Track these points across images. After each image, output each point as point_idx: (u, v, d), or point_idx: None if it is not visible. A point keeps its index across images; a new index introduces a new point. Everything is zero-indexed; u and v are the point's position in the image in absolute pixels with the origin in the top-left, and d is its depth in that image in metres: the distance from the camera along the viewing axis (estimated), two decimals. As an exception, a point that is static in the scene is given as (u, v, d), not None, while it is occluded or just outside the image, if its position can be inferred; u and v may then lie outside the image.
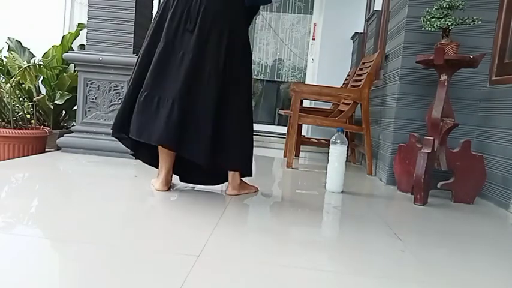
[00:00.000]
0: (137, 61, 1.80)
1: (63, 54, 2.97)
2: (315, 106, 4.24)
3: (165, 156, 1.81)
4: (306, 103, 4.31)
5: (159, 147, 1.77)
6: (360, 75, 3.24)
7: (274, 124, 5.90)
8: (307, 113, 3.33)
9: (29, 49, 3.88)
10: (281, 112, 4.33)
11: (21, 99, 3.34)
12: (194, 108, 1.69)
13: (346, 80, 4.23)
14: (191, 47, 1.68)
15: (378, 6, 3.89)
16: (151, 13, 3.19)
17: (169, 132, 1.64)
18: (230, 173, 1.88)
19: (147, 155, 1.91)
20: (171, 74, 1.69)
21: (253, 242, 1.32)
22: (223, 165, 1.84)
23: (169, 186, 1.87)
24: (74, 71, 3.38)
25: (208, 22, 1.70)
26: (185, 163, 1.86)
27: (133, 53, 2.82)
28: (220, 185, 2.14)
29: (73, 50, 3.77)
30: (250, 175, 1.94)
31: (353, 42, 4.79)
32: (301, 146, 3.84)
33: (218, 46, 1.72)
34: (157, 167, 1.87)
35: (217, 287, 0.97)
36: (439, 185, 2.13)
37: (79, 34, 3.92)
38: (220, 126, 1.74)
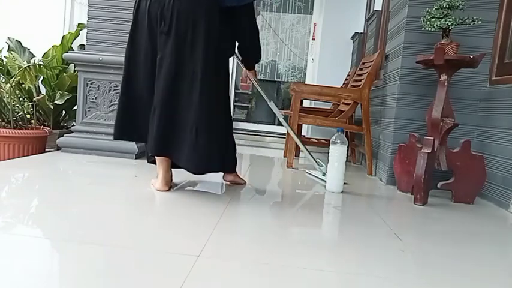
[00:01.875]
0: (124, 67, 1.82)
1: (63, 54, 2.97)
2: (315, 106, 4.24)
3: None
4: (306, 103, 4.31)
5: None
6: (360, 75, 3.24)
7: (274, 124, 5.91)
8: (307, 113, 3.32)
9: (29, 49, 3.88)
10: (281, 112, 4.32)
11: (21, 99, 3.34)
12: (179, 115, 1.72)
13: (346, 80, 4.23)
14: (169, 51, 1.68)
15: (378, 6, 3.89)
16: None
17: (158, 141, 1.72)
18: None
19: None
20: (156, 81, 1.73)
21: (253, 242, 1.32)
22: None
23: (170, 186, 1.86)
24: (74, 71, 3.38)
25: (182, 23, 1.67)
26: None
27: (133, 53, 2.82)
28: (220, 186, 2.14)
29: (73, 50, 3.77)
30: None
31: (353, 42, 4.79)
32: (301, 146, 3.84)
33: (195, 48, 1.69)
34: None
35: (217, 287, 0.97)
36: (439, 185, 2.13)
37: (79, 34, 3.92)
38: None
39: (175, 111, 1.72)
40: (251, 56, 2.05)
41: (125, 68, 1.82)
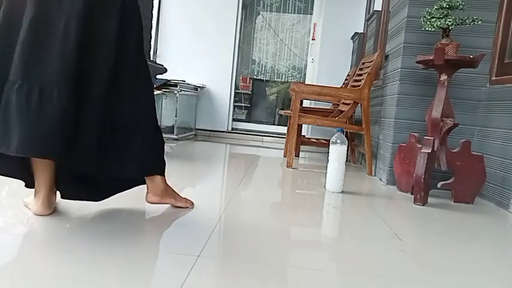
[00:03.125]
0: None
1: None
2: (315, 106, 4.24)
3: (43, 167, 1.31)
4: (306, 103, 4.32)
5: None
6: (360, 75, 3.24)
7: (274, 124, 5.91)
8: (307, 113, 3.33)
9: (29, 49, 3.87)
10: (281, 112, 4.33)
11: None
12: (88, 97, 1.24)
13: (346, 80, 4.23)
14: (77, 11, 1.20)
15: (378, 6, 3.89)
16: (152, 13, 3.19)
17: (55, 138, 1.17)
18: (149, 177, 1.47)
19: (17, 167, 1.37)
20: (53, 52, 1.18)
21: (253, 242, 1.32)
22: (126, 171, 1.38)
23: (53, 208, 1.39)
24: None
25: None
26: (64, 173, 1.39)
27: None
28: (220, 186, 2.14)
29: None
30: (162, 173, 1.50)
31: (353, 42, 4.79)
32: (301, 146, 3.85)
33: (113, 8, 1.27)
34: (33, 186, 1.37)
35: (217, 287, 0.97)
36: (439, 185, 2.13)
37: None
38: (118, 116, 1.32)
39: (83, 93, 1.25)
40: None
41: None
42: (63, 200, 1.46)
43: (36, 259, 1.06)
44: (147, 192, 1.49)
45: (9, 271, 0.96)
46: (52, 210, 1.37)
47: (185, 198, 1.60)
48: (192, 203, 1.61)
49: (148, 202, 1.49)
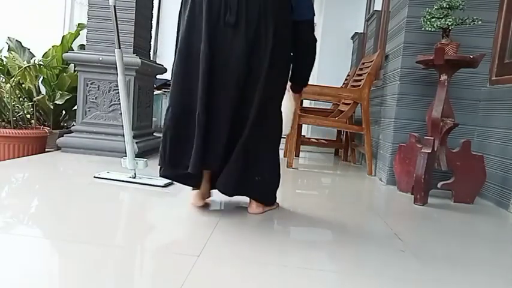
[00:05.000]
0: (173, 75, 1.51)
1: (63, 54, 2.97)
2: (315, 106, 4.24)
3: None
4: (306, 103, 4.32)
5: None
6: (360, 75, 3.24)
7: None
8: (307, 113, 3.33)
9: (29, 49, 3.88)
10: (281, 112, 4.32)
11: (21, 99, 3.34)
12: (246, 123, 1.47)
13: (346, 80, 4.23)
14: (239, 49, 1.39)
15: (378, 6, 3.89)
16: (151, 13, 3.19)
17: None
18: None
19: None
20: (220, 86, 1.42)
21: (253, 242, 1.32)
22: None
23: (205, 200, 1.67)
24: (74, 71, 3.38)
25: (253, 13, 1.38)
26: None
27: (134, 53, 2.82)
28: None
29: (73, 50, 3.77)
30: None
31: (353, 42, 4.79)
32: (301, 146, 3.85)
33: (266, 45, 1.41)
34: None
35: (217, 287, 0.97)
36: (439, 185, 2.13)
37: (79, 34, 3.93)
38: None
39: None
40: (304, 76, 1.74)
41: (176, 78, 1.51)
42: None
43: (36, 259, 1.06)
44: (249, 204, 1.65)
45: (8, 271, 0.96)
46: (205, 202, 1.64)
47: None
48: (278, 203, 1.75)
49: (251, 213, 1.63)
